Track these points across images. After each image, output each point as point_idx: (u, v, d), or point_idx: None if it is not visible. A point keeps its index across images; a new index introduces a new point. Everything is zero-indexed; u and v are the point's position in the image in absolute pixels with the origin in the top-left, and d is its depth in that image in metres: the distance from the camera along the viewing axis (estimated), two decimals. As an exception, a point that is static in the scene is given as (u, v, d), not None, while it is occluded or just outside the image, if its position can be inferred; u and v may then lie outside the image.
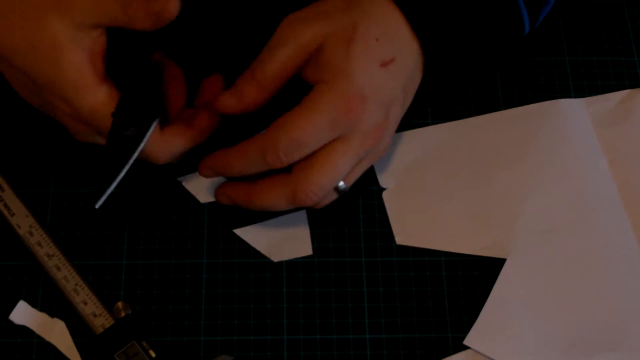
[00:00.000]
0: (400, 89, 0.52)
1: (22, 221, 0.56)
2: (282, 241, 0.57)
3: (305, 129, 0.48)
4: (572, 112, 0.61)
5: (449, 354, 0.54)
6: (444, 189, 0.59)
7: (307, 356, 0.54)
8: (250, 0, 0.64)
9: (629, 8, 0.66)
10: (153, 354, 0.52)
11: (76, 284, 0.54)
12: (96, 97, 0.48)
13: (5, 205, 0.56)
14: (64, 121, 0.51)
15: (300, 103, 0.49)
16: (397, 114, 0.53)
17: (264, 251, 0.57)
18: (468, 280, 0.56)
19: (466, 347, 0.54)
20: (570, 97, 0.62)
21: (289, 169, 0.51)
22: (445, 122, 0.61)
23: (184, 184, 0.58)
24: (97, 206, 0.52)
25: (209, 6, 0.63)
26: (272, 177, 0.51)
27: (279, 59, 0.50)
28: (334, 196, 0.53)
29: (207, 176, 0.53)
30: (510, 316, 0.55)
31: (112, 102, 0.49)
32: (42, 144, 0.59)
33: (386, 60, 0.50)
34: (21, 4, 0.47)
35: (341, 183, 0.52)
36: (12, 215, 0.56)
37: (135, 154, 0.50)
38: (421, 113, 0.61)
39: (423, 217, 0.58)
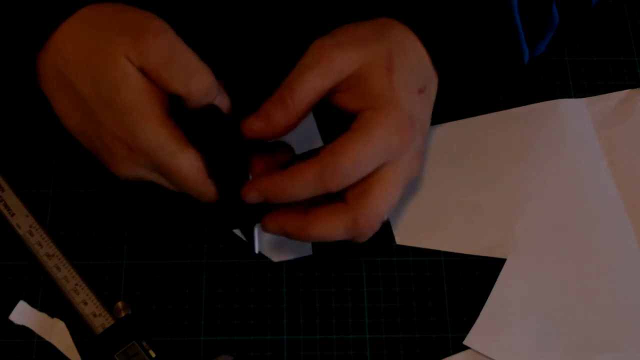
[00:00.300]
0: (429, 116, 0.53)
1: (22, 221, 0.56)
2: (282, 241, 0.57)
3: (362, 152, 0.48)
4: (572, 112, 0.61)
5: (449, 354, 0.54)
6: (444, 189, 0.59)
7: (307, 356, 0.54)
8: (253, 6, 0.64)
9: (629, 8, 0.66)
10: (153, 354, 0.52)
11: (76, 284, 0.54)
12: (161, 128, 0.48)
13: (5, 205, 0.56)
14: (111, 149, 0.49)
15: (350, 129, 0.49)
16: (425, 140, 0.54)
17: (264, 251, 0.57)
18: (468, 280, 0.56)
19: (466, 347, 0.54)
20: (570, 97, 0.62)
21: (333, 197, 0.50)
22: (445, 122, 0.61)
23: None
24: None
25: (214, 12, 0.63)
26: (329, 206, 0.50)
27: (311, 82, 0.49)
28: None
29: (252, 201, 0.50)
30: (510, 316, 0.55)
31: (175, 139, 0.48)
32: (42, 144, 0.59)
33: (421, 88, 0.51)
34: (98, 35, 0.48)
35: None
36: (12, 215, 0.56)
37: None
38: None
39: (423, 217, 0.58)
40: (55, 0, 0.50)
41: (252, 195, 0.50)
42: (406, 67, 0.50)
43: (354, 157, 0.48)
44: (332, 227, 0.49)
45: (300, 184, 0.48)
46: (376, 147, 0.48)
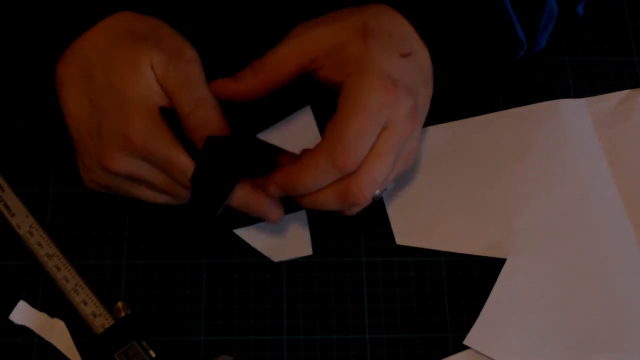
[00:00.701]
0: (420, 84, 0.52)
1: (22, 221, 0.56)
2: (282, 241, 0.57)
3: (361, 119, 0.48)
4: (572, 112, 0.61)
5: (449, 354, 0.54)
6: (444, 189, 0.59)
7: (307, 356, 0.54)
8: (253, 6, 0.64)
9: (629, 8, 0.66)
10: (153, 354, 0.52)
11: (76, 284, 0.54)
12: (160, 122, 0.50)
13: (5, 205, 0.56)
14: (105, 138, 0.50)
15: (340, 104, 0.49)
16: (422, 110, 0.53)
17: (264, 251, 0.57)
18: (468, 280, 0.56)
19: (466, 347, 0.54)
20: (570, 97, 0.62)
21: None
22: (445, 122, 0.61)
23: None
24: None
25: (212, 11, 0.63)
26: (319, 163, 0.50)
27: (280, 52, 0.50)
28: (369, 201, 0.52)
29: (273, 194, 0.51)
30: (510, 316, 0.55)
31: (171, 136, 0.49)
32: (42, 144, 0.59)
33: (404, 52, 0.51)
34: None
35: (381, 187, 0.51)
36: (12, 215, 0.56)
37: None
38: (421, 113, 0.61)
39: (423, 217, 0.58)
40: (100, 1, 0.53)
41: (272, 189, 0.50)
42: (384, 32, 0.51)
43: (356, 127, 0.48)
44: (323, 196, 0.50)
45: (315, 170, 0.48)
46: (370, 109, 0.48)
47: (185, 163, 0.49)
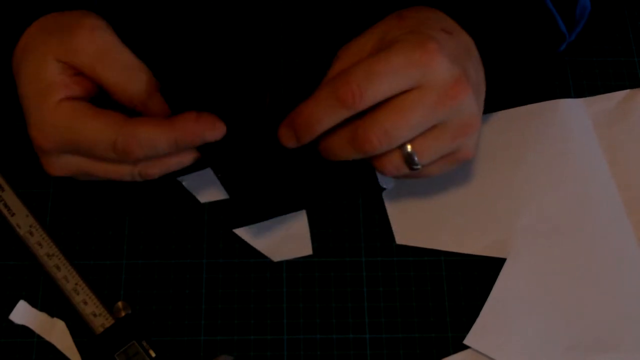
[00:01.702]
0: (467, 59, 0.49)
1: (22, 221, 0.56)
2: (282, 241, 0.57)
3: (377, 63, 0.45)
4: (572, 112, 0.61)
5: (449, 354, 0.54)
6: (444, 189, 0.59)
7: (307, 356, 0.54)
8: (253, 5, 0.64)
9: (629, 8, 0.66)
10: (153, 354, 0.52)
11: (76, 284, 0.54)
12: (64, 118, 0.49)
13: (5, 205, 0.56)
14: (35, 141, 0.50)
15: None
16: (476, 87, 0.49)
17: (264, 251, 0.57)
18: (468, 280, 0.56)
19: (466, 347, 0.54)
20: (570, 97, 0.62)
21: None
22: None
23: (184, 183, 0.58)
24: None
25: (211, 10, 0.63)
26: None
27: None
28: (404, 168, 0.49)
29: (287, 142, 0.49)
30: (510, 316, 0.55)
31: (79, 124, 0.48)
32: (42, 144, 0.59)
33: (446, 29, 0.49)
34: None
35: (414, 155, 0.48)
36: (12, 215, 0.56)
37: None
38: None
39: (423, 217, 0.58)
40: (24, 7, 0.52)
41: (284, 135, 0.49)
42: (421, 15, 0.49)
43: (368, 67, 0.45)
44: (335, 140, 0.48)
45: (316, 106, 0.47)
46: (394, 59, 0.45)
47: (99, 138, 0.48)
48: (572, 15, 0.56)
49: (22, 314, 0.54)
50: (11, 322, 0.54)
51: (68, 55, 0.49)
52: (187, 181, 0.58)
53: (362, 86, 0.45)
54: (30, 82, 0.49)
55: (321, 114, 0.47)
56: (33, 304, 0.55)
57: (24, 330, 0.54)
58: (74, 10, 0.51)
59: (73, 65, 0.49)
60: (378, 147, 0.46)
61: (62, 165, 0.50)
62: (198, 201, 0.58)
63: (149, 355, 0.52)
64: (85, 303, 0.54)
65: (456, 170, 0.59)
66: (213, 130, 0.48)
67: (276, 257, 0.57)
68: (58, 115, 0.48)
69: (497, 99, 0.53)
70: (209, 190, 0.58)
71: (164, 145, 0.47)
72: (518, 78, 0.60)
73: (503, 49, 0.53)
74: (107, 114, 0.48)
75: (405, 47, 0.46)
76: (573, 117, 0.61)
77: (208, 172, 0.58)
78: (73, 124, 0.48)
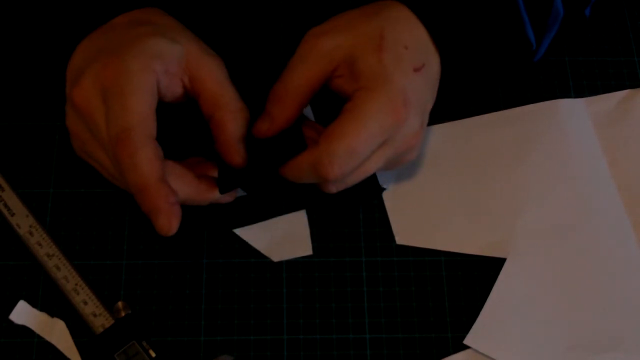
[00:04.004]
0: (430, 98, 0.52)
1: (22, 221, 0.56)
2: (282, 241, 0.57)
3: (356, 138, 0.48)
4: (572, 112, 0.61)
5: (449, 354, 0.54)
6: (444, 189, 0.59)
7: (307, 356, 0.54)
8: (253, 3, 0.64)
9: (629, 8, 0.66)
10: (153, 354, 0.52)
11: (76, 284, 0.54)
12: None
13: (5, 205, 0.56)
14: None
15: (343, 112, 0.49)
16: (426, 120, 0.53)
17: (264, 251, 0.57)
18: (468, 280, 0.56)
19: (466, 347, 0.54)
20: (570, 97, 0.62)
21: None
22: (445, 122, 0.61)
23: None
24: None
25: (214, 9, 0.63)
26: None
27: (302, 75, 0.50)
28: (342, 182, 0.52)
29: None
30: (510, 316, 0.55)
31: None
32: (42, 144, 0.59)
33: (418, 66, 0.50)
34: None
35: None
36: (12, 215, 0.56)
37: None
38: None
39: (423, 217, 0.58)
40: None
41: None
42: (399, 45, 0.50)
43: (350, 144, 0.47)
44: (295, 168, 0.50)
45: (298, 172, 0.49)
46: (370, 130, 0.48)
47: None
48: (545, 22, 0.56)
49: (22, 314, 0.54)
50: (11, 322, 0.54)
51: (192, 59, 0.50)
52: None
53: (342, 166, 0.48)
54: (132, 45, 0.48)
55: (301, 177, 0.50)
56: (33, 304, 0.55)
57: (24, 330, 0.54)
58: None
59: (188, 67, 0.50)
60: (339, 174, 0.49)
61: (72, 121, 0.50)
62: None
63: (149, 356, 0.52)
64: (85, 303, 0.54)
65: (456, 171, 0.59)
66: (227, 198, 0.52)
67: (276, 257, 0.57)
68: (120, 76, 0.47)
69: (449, 102, 0.56)
70: None
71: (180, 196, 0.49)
72: (479, 81, 0.61)
73: (470, 59, 0.54)
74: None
75: (379, 115, 0.48)
76: (573, 117, 0.61)
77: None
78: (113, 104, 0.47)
